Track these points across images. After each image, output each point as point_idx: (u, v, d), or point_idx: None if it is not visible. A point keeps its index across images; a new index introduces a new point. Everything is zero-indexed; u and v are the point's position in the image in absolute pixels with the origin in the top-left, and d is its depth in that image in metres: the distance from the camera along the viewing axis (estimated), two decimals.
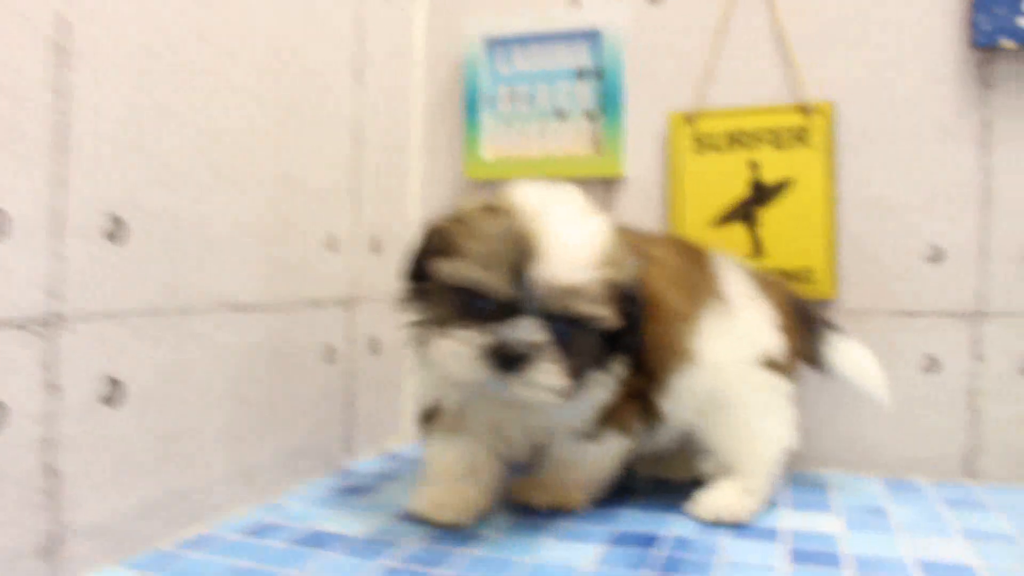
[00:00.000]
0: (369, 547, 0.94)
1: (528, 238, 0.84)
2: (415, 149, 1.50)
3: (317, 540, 0.96)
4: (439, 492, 1.01)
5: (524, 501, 1.07)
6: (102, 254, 0.84)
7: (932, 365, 1.29)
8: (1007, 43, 1.21)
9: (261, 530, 1.00)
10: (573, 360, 0.87)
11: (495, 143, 1.45)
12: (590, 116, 1.40)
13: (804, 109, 1.30)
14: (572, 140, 1.41)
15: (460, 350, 0.85)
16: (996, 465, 1.27)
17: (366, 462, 1.33)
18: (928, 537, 1.00)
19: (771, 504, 1.12)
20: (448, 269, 0.87)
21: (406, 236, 1.45)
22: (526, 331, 0.83)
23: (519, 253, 0.84)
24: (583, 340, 0.88)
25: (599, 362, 0.92)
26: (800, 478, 1.27)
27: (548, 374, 0.85)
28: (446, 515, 0.99)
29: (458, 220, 0.90)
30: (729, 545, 0.96)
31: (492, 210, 0.88)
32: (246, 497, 1.07)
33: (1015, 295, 1.25)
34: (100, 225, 0.84)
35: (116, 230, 0.86)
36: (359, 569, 0.87)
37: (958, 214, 1.27)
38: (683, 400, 1.03)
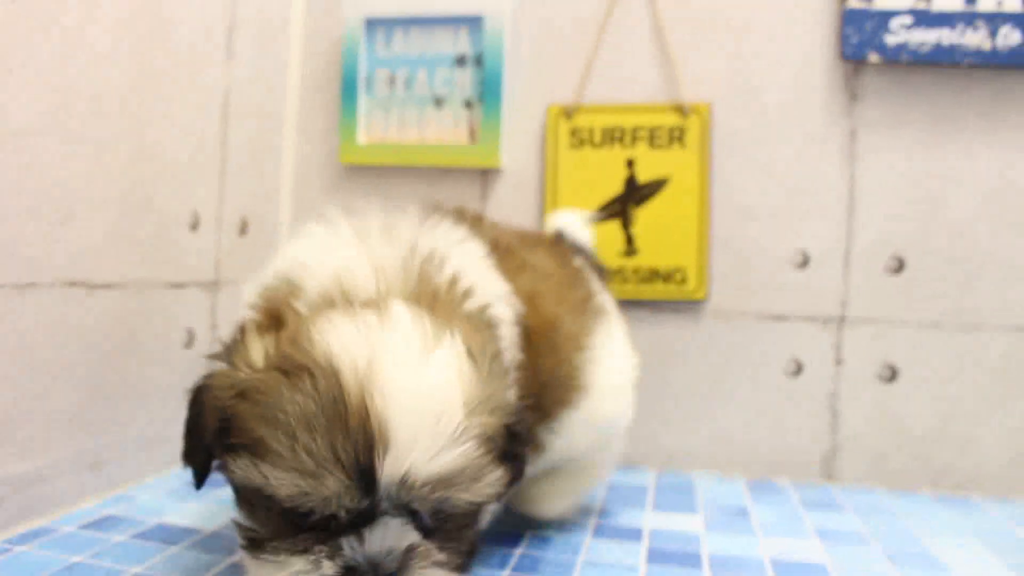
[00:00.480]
0: (216, 542, 0.89)
1: (361, 416, 0.57)
2: (289, 129, 1.44)
3: (164, 534, 0.91)
4: None
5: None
6: None
7: (796, 369, 1.31)
8: (874, 57, 1.24)
9: (104, 523, 0.94)
10: (456, 542, 0.65)
11: (371, 128, 1.41)
12: (468, 104, 1.38)
13: (681, 109, 1.31)
14: (449, 128, 1.38)
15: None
16: (852, 466, 1.30)
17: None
18: (785, 537, 1.02)
19: (636, 505, 1.12)
20: (250, 476, 0.60)
21: (275, 218, 1.39)
22: (389, 538, 0.60)
23: (354, 444, 0.57)
24: (464, 517, 0.65)
25: (478, 523, 0.70)
26: (666, 479, 1.28)
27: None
28: None
29: (246, 395, 0.62)
30: (592, 545, 0.95)
31: (294, 373, 0.60)
32: (92, 488, 1.01)
33: (874, 302, 1.29)
34: None
35: None
36: (206, 565, 0.83)
37: (824, 221, 1.30)
38: (575, 434, 0.89)
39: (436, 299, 0.70)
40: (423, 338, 0.62)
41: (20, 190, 0.88)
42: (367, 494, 0.58)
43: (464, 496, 0.61)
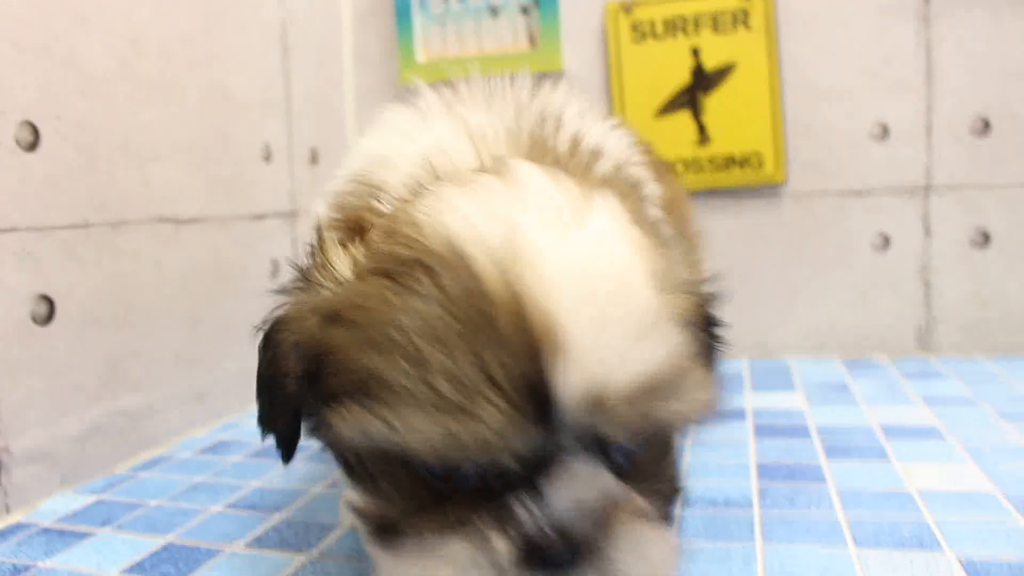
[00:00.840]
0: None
1: (514, 312, 0.40)
2: (347, 56, 1.44)
3: (274, 453, 0.93)
4: None
5: None
6: (17, 164, 0.79)
7: (884, 243, 1.28)
8: None
9: (217, 448, 0.96)
10: (656, 481, 0.48)
11: (429, 45, 1.40)
12: (525, 10, 1.36)
13: None
14: (508, 36, 1.37)
15: (460, 572, 0.42)
16: (949, 337, 1.28)
17: None
18: (890, 405, 1.01)
19: (734, 389, 1.12)
20: (364, 432, 0.42)
21: (343, 146, 1.40)
22: (578, 489, 0.42)
23: (513, 354, 0.40)
24: (663, 445, 0.50)
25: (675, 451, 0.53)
26: (760, 364, 1.27)
27: (646, 542, 0.44)
28: None
29: (340, 318, 0.46)
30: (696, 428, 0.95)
31: (404, 273, 0.43)
32: (201, 419, 1.04)
33: (960, 167, 1.25)
34: (13, 133, 0.78)
35: (33, 139, 0.80)
36: (321, 474, 0.85)
37: (902, 91, 1.26)
38: None
39: (559, 162, 0.55)
40: (572, 202, 0.45)
41: (102, 133, 0.89)
42: (542, 425, 0.40)
43: (674, 407, 0.42)
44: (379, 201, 0.53)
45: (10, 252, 0.77)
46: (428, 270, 0.42)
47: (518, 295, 0.39)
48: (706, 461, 0.83)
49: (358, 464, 0.46)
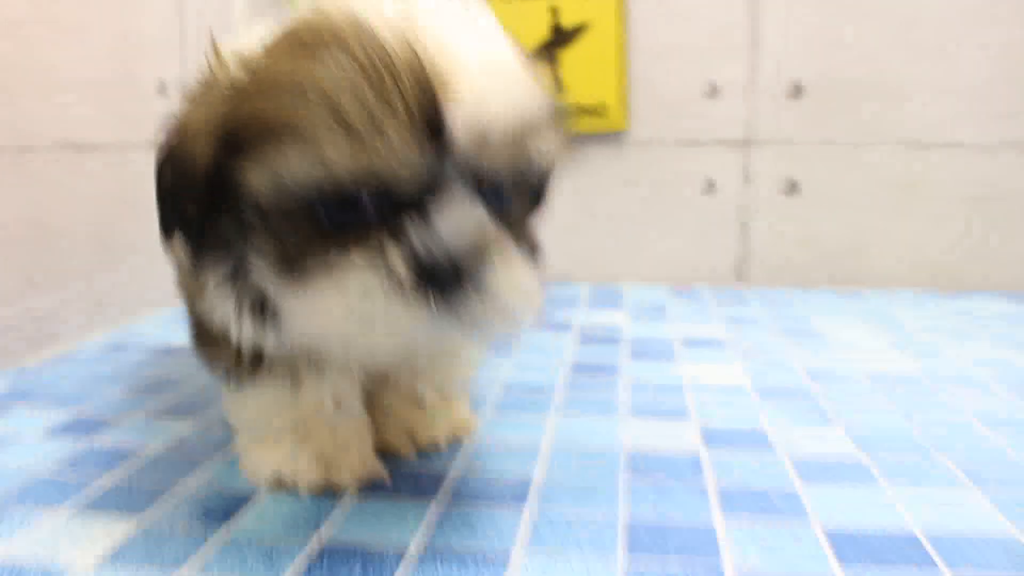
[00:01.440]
0: None
1: (419, 57, 0.48)
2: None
3: (168, 352, 1.08)
4: (325, 445, 0.67)
5: (401, 445, 0.74)
6: None
7: (710, 187, 1.49)
8: None
9: (116, 347, 1.10)
10: (523, 237, 0.57)
11: None
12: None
13: None
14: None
15: (361, 294, 0.49)
16: (761, 271, 1.50)
17: None
18: (695, 324, 1.21)
19: (569, 307, 1.32)
20: (277, 176, 0.49)
21: None
22: (465, 218, 0.50)
23: (414, 91, 0.47)
24: (523, 202, 0.57)
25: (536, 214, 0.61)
26: (598, 289, 1.46)
27: (516, 272, 0.52)
28: (339, 476, 0.66)
29: (258, 93, 0.51)
30: (528, 336, 1.14)
31: (317, 47, 0.49)
32: (99, 324, 1.17)
33: (777, 125, 1.45)
34: None
35: None
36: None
37: (730, 54, 1.45)
38: None
39: None
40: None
41: (16, 69, 1.00)
42: (435, 151, 0.48)
43: (536, 148, 0.51)
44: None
45: None
46: (339, 42, 0.48)
47: (417, 54, 0.47)
48: (529, 360, 1.01)
49: (261, 223, 0.52)
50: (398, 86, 0.46)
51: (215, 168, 0.52)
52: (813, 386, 0.92)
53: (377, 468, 0.68)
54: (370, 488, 0.67)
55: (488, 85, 0.48)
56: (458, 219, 0.49)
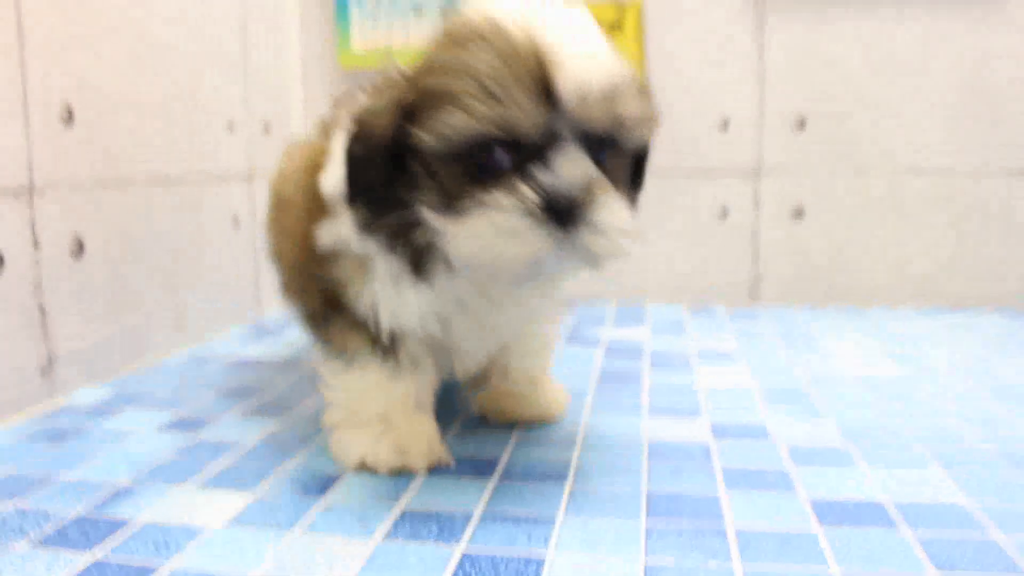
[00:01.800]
0: (288, 365, 1.22)
1: (537, 46, 0.66)
2: (294, 42, 1.71)
3: (245, 363, 1.23)
4: (403, 436, 0.82)
5: (508, 418, 0.94)
6: (54, 134, 1.07)
7: (723, 213, 1.63)
8: None
9: (199, 360, 1.26)
10: (621, 185, 0.73)
11: (363, 36, 1.68)
12: (444, 13, 1.65)
13: (619, 3, 1.59)
14: (428, 33, 1.66)
15: (503, 222, 0.66)
16: (772, 290, 1.63)
17: (272, 315, 1.59)
18: (710, 338, 1.35)
19: (597, 324, 1.46)
20: (450, 125, 0.66)
21: (290, 120, 1.68)
22: (576, 165, 0.67)
23: (536, 67, 0.65)
24: (620, 164, 0.73)
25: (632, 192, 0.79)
26: (623, 307, 1.61)
27: (617, 212, 0.68)
28: (414, 461, 0.81)
29: (429, 69, 0.70)
30: (562, 349, 1.28)
31: (467, 39, 0.68)
32: (182, 338, 1.33)
33: (782, 156, 1.59)
34: (58, 112, 1.06)
35: (68, 116, 1.08)
36: (283, 377, 1.15)
37: (741, 90, 1.59)
38: None
39: None
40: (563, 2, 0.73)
41: (112, 105, 1.16)
42: (550, 109, 0.66)
43: (629, 109, 0.69)
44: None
45: (53, 204, 1.05)
46: (480, 36, 0.67)
47: (534, 41, 0.66)
48: (564, 370, 1.15)
49: (427, 174, 0.70)
50: (522, 64, 0.65)
51: (393, 139, 0.70)
52: (811, 389, 1.06)
53: (444, 454, 0.83)
54: (440, 469, 0.82)
55: (585, 61, 0.66)
56: (570, 165, 0.66)
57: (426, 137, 0.68)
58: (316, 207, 0.81)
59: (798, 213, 1.61)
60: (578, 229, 0.66)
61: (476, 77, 0.65)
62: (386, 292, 0.78)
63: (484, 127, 0.66)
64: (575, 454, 0.85)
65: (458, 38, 0.69)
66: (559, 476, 0.80)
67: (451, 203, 0.69)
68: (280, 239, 0.95)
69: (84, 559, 0.65)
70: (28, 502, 0.75)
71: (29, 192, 1.01)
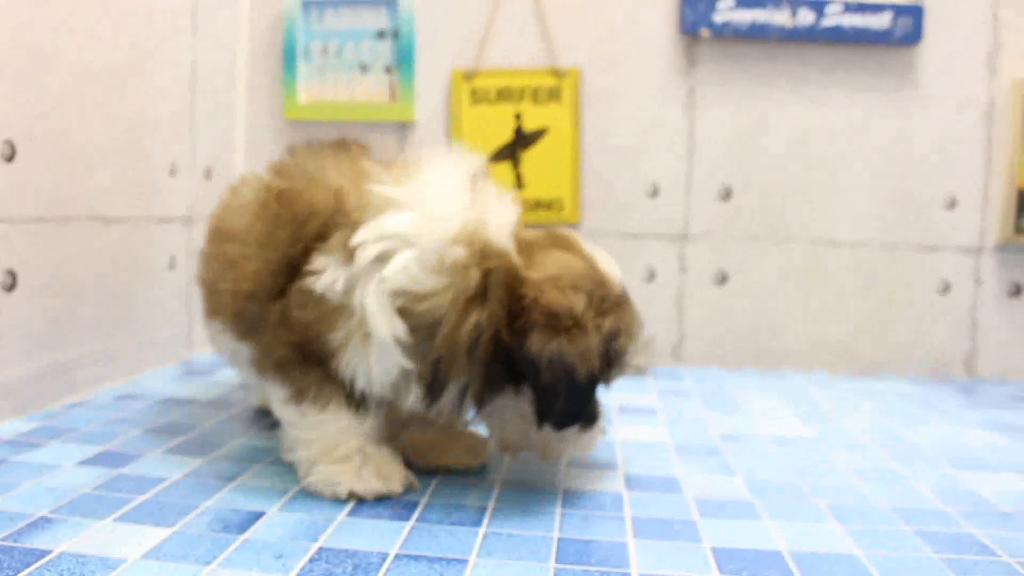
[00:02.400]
0: (217, 404, 1.23)
1: (627, 310, 0.90)
2: (241, 92, 1.74)
3: (174, 401, 1.24)
4: (380, 465, 0.90)
5: (429, 463, 0.98)
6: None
7: (651, 276, 1.68)
8: (705, 32, 1.60)
9: (128, 397, 1.26)
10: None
11: (309, 89, 1.72)
12: (388, 70, 1.70)
13: (558, 73, 1.65)
14: (373, 89, 1.71)
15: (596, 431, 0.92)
16: (695, 351, 1.69)
17: (203, 355, 1.59)
18: (632, 394, 1.39)
19: None
20: (569, 359, 0.81)
21: (233, 165, 1.70)
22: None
23: (636, 333, 0.91)
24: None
25: None
26: None
27: (601, 413, 0.93)
28: (394, 486, 0.89)
29: (618, 333, 0.87)
30: None
31: (624, 305, 0.90)
32: (111, 375, 1.33)
33: (709, 222, 1.66)
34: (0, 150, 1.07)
35: (10, 152, 1.09)
36: (211, 416, 1.16)
37: (670, 159, 1.66)
38: None
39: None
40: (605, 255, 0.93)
41: (62, 146, 1.18)
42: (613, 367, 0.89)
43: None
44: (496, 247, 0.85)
45: None
46: (627, 303, 0.91)
47: (628, 305, 0.91)
48: None
49: (504, 370, 0.83)
50: (621, 332, 0.87)
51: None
52: (724, 445, 1.11)
53: (413, 479, 0.91)
54: (357, 510, 0.84)
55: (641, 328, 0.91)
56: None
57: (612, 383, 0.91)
58: (278, 254, 0.89)
59: (722, 278, 1.67)
60: (575, 430, 0.89)
61: (634, 339, 0.89)
62: (363, 363, 0.85)
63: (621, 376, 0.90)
64: (493, 498, 0.88)
65: (563, 284, 0.83)
66: (475, 519, 0.82)
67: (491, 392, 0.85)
68: (221, 269, 0.96)
69: None
70: None
71: None
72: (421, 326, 0.82)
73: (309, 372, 0.87)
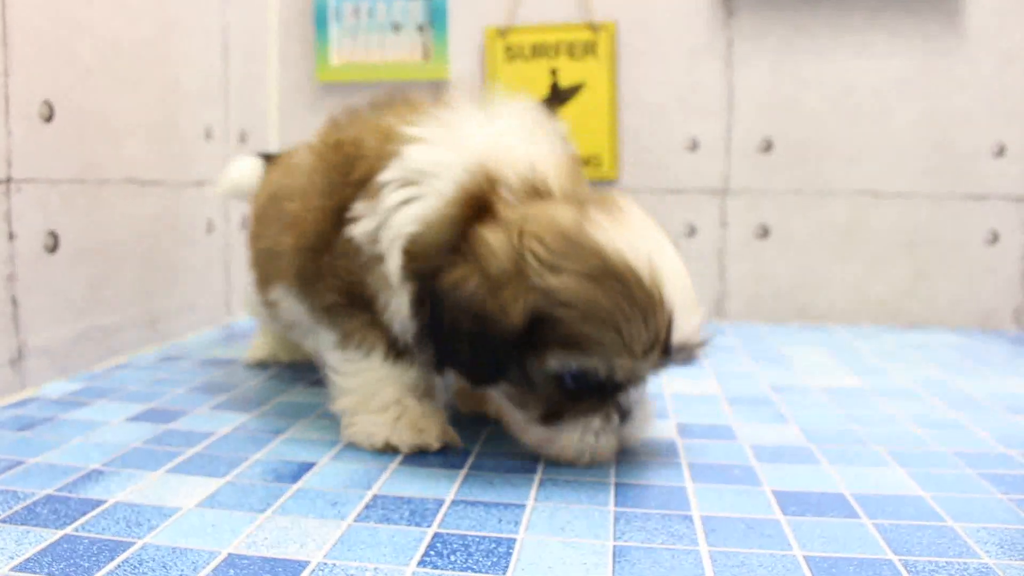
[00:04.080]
0: (259, 365, 1.23)
1: (662, 308, 0.73)
2: (273, 56, 1.73)
3: (216, 362, 1.24)
4: (416, 417, 0.87)
5: (474, 409, 0.99)
6: (39, 132, 1.07)
7: (691, 231, 1.66)
8: None
9: (170, 358, 1.26)
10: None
11: (341, 51, 1.70)
12: (421, 29, 1.68)
13: (593, 27, 1.62)
14: (405, 49, 1.68)
15: (588, 432, 0.79)
16: (737, 307, 1.66)
17: (242, 320, 1.59)
18: None
19: None
20: (572, 364, 0.74)
21: (267, 129, 1.69)
22: (640, 389, 0.82)
23: (664, 330, 0.73)
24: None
25: None
26: None
27: (648, 409, 0.84)
28: (430, 440, 0.86)
29: (568, 302, 0.72)
30: None
31: (604, 282, 0.72)
32: (152, 339, 1.33)
33: (748, 177, 1.63)
34: (37, 110, 1.06)
35: (49, 114, 1.08)
36: (254, 376, 1.16)
37: (709, 114, 1.63)
38: None
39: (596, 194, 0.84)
40: (663, 235, 0.80)
41: (91, 113, 1.17)
42: (660, 364, 0.76)
43: (699, 353, 0.79)
44: (498, 188, 0.79)
45: (30, 198, 1.05)
46: (619, 279, 0.72)
47: (662, 295, 0.73)
48: None
49: (528, 382, 0.78)
50: (656, 327, 0.73)
51: (521, 340, 0.74)
52: (775, 396, 1.09)
53: (454, 435, 0.88)
54: (411, 460, 0.83)
55: (692, 320, 0.76)
56: (636, 391, 0.81)
57: (549, 356, 0.75)
58: (337, 201, 0.85)
59: (763, 232, 1.64)
60: (625, 426, 0.81)
61: (616, 328, 0.72)
62: (401, 314, 0.83)
63: (607, 372, 0.75)
64: None
65: (597, 271, 0.72)
66: (529, 467, 0.81)
67: (547, 410, 0.79)
68: (279, 232, 0.95)
69: (55, 535, 0.65)
70: None
71: (7, 185, 1.01)
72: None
73: (355, 316, 0.86)
